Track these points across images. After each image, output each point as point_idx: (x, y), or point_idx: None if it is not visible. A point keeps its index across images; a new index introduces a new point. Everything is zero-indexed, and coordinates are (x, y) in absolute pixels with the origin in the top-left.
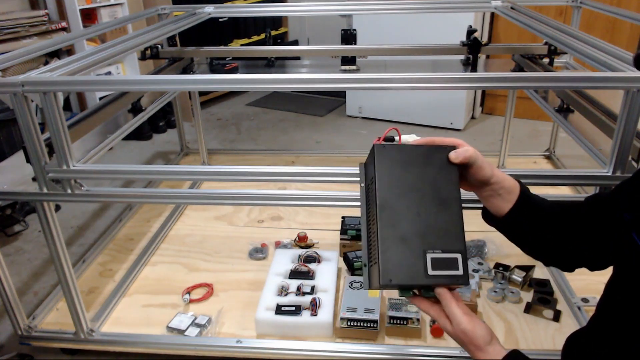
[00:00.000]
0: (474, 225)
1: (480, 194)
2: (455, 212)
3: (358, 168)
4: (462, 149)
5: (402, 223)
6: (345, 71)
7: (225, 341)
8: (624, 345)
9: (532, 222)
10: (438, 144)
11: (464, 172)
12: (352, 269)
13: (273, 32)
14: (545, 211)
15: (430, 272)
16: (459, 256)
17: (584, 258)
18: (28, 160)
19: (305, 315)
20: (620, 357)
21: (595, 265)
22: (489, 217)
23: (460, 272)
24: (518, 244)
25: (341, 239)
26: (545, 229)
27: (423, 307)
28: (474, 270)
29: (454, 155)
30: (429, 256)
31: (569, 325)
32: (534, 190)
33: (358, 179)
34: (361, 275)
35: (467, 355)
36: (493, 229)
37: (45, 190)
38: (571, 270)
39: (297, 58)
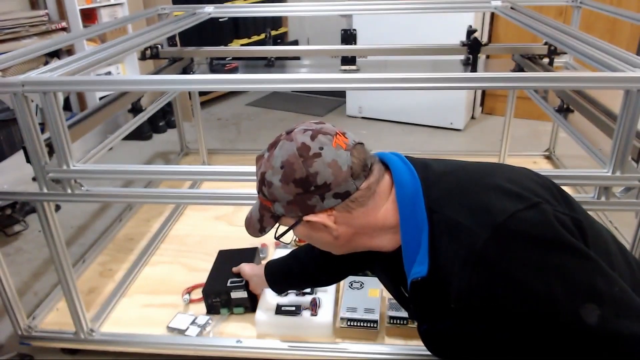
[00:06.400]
0: None
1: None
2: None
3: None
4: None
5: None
6: (345, 71)
7: (225, 341)
8: None
9: (286, 278)
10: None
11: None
12: None
13: (273, 32)
14: (290, 269)
15: (229, 284)
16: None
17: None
18: (28, 160)
19: (305, 315)
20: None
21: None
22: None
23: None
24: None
25: None
26: (297, 276)
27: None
28: None
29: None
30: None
31: None
32: None
33: None
34: (361, 275)
35: None
36: None
37: (45, 190)
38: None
39: (297, 58)
